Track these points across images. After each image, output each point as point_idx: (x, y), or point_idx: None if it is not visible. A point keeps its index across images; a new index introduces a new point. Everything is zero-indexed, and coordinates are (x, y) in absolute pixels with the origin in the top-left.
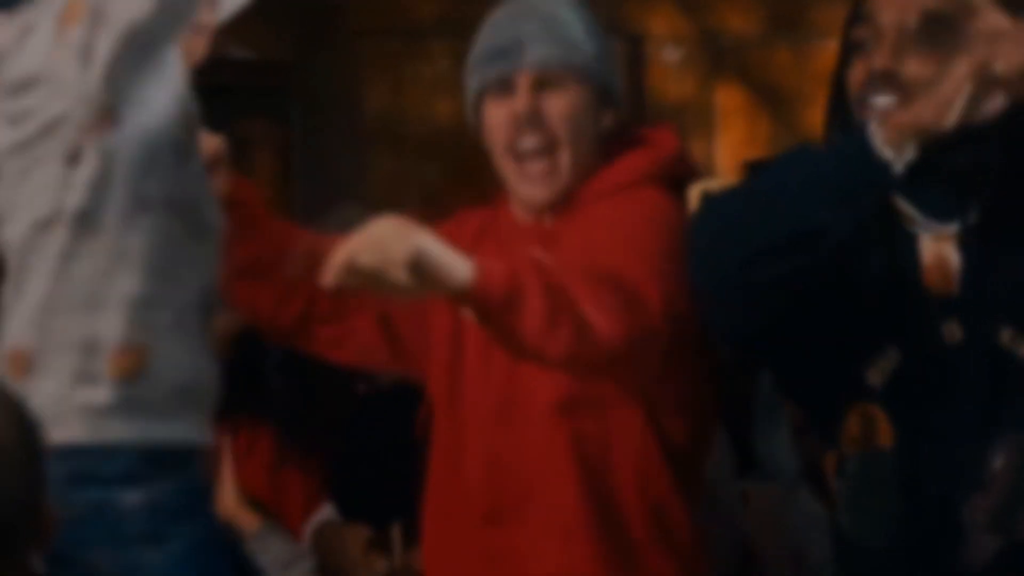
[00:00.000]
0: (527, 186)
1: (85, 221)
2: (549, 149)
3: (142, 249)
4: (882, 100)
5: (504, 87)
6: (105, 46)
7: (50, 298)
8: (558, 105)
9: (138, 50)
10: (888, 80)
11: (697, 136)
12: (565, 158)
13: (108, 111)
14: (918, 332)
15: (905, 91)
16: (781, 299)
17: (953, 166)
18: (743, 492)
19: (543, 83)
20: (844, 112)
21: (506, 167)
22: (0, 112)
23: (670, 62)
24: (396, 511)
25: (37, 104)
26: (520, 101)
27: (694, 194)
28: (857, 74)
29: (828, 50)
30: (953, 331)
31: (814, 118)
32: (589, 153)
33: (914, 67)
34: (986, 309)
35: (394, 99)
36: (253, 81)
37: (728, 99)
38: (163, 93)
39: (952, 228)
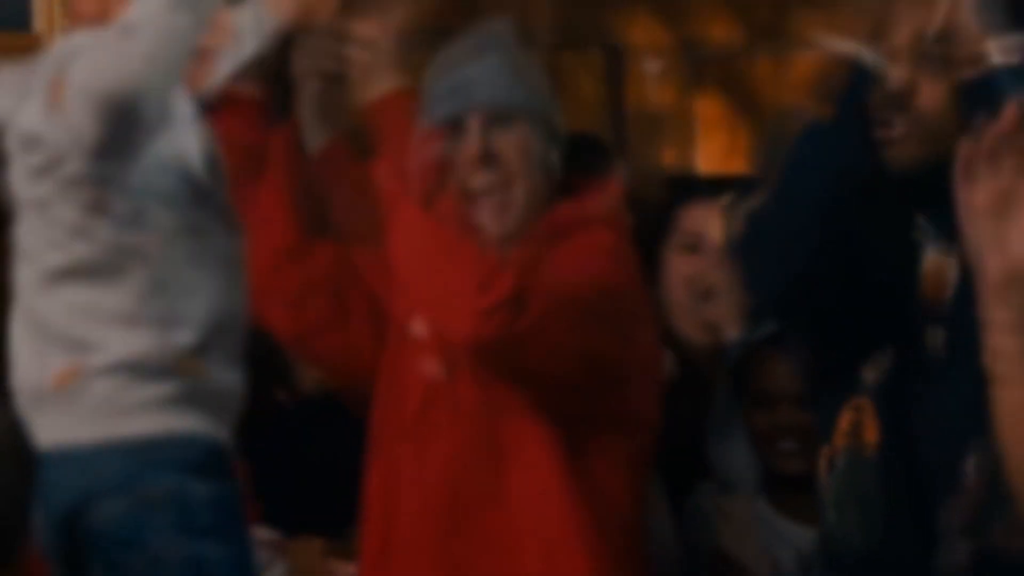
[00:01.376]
0: (483, 221)
1: (110, 261)
2: (502, 186)
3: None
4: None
5: (455, 126)
6: (91, 121)
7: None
8: (511, 142)
9: (131, 122)
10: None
11: (677, 146)
12: (519, 194)
13: (109, 172)
14: (910, 336)
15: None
16: (813, 288)
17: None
18: (719, 505)
19: (494, 121)
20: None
21: (460, 204)
22: (17, 166)
23: (650, 72)
24: (348, 518)
25: (45, 163)
26: (472, 140)
27: (721, 207)
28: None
29: (808, 60)
30: (938, 337)
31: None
32: (541, 189)
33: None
34: (971, 324)
35: None
36: None
37: (708, 109)
38: (172, 138)
39: (956, 248)
